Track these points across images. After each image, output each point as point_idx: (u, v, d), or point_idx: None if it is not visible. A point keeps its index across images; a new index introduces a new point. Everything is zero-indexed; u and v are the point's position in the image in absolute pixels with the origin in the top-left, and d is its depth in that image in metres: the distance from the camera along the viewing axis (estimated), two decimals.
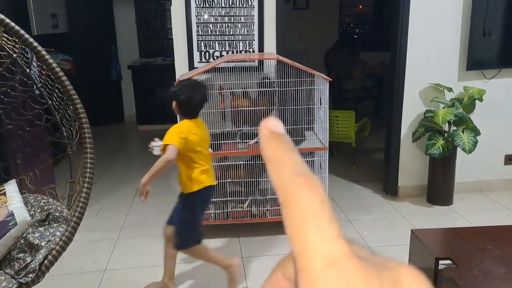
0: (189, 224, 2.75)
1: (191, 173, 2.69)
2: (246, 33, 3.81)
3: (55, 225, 2.06)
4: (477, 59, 4.09)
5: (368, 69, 7.44)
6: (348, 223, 3.83)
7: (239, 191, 3.77)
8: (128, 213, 4.11)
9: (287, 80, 3.44)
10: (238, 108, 3.50)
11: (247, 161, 3.61)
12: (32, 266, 1.89)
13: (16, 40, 2.01)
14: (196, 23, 3.77)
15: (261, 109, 3.46)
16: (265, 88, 3.57)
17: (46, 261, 1.91)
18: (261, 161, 3.39)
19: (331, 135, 4.16)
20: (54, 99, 2.21)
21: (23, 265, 1.90)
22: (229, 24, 3.79)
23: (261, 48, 3.85)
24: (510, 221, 3.81)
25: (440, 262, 2.20)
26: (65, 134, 2.23)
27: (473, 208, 4.10)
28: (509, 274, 2.02)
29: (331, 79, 3.37)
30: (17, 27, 1.90)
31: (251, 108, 3.45)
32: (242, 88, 3.56)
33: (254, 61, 3.79)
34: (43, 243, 1.95)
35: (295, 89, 3.47)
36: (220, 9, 3.75)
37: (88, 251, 3.48)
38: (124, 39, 7.62)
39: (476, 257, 2.16)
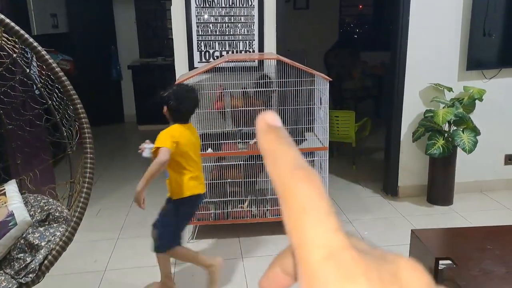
0: (171, 230, 2.75)
1: (181, 179, 2.68)
2: (246, 33, 3.81)
3: (55, 225, 2.06)
4: (477, 59, 4.09)
5: (368, 69, 7.44)
6: (348, 223, 3.83)
7: (239, 191, 3.77)
8: (128, 213, 4.11)
9: (287, 80, 3.44)
10: (233, 108, 3.50)
11: (247, 161, 3.61)
12: (32, 266, 1.89)
13: (16, 40, 2.01)
14: (196, 23, 3.77)
15: (258, 109, 3.45)
16: (264, 87, 3.57)
17: (46, 261, 1.91)
18: (261, 161, 3.39)
19: (331, 135, 4.16)
20: (54, 99, 2.21)
21: (23, 265, 1.90)
22: (229, 24, 3.79)
23: (261, 48, 3.85)
24: (510, 221, 3.81)
25: (440, 262, 2.20)
26: (65, 134, 2.23)
27: (473, 208, 4.10)
28: (509, 274, 2.02)
29: (331, 79, 3.37)
30: (17, 27, 1.90)
31: (249, 108, 3.45)
32: (241, 88, 3.56)
33: (254, 61, 3.79)
34: (43, 243, 1.95)
35: (295, 89, 3.47)
36: (220, 9, 3.75)
37: (88, 251, 3.48)
38: (124, 39, 7.61)
39: (476, 257, 2.16)
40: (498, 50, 4.14)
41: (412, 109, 4.21)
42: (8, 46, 2.13)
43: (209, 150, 3.49)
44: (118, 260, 3.36)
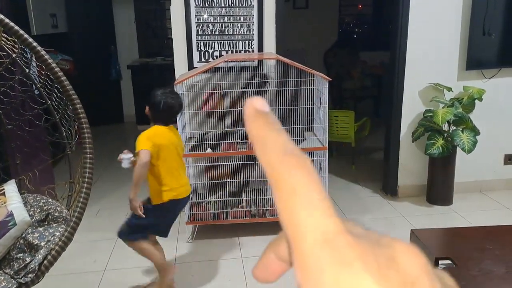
0: (142, 226, 2.73)
1: (159, 183, 2.68)
2: (245, 33, 3.81)
3: (54, 225, 2.06)
4: (476, 59, 4.09)
5: (367, 68, 7.44)
6: None
7: (238, 191, 3.78)
8: (128, 213, 4.10)
9: (287, 79, 3.44)
10: (220, 109, 3.50)
11: (246, 161, 3.60)
12: (32, 266, 1.89)
13: (16, 40, 2.01)
14: (196, 23, 3.77)
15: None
16: (259, 86, 3.57)
17: (45, 261, 1.91)
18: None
19: (330, 135, 4.16)
20: (54, 99, 2.21)
21: (23, 265, 1.90)
22: (229, 24, 3.79)
23: (260, 48, 3.84)
24: (510, 221, 3.81)
25: (440, 262, 2.20)
26: (65, 134, 2.23)
27: (472, 208, 4.10)
28: (509, 274, 2.02)
29: (330, 79, 3.37)
30: (16, 27, 1.90)
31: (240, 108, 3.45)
32: (238, 88, 3.56)
33: (253, 61, 3.79)
34: (42, 243, 1.95)
35: (294, 89, 3.47)
36: (219, 9, 3.75)
37: (87, 251, 3.48)
38: (124, 39, 7.61)
39: (475, 257, 2.16)
40: (498, 49, 4.14)
41: (411, 109, 4.21)
42: (8, 46, 2.13)
43: (208, 150, 3.49)
44: (118, 260, 3.36)
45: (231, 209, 3.67)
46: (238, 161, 3.59)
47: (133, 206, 2.56)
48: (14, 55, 2.14)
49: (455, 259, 2.13)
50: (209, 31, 3.79)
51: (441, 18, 4.05)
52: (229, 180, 3.64)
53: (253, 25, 3.80)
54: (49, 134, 2.41)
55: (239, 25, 3.79)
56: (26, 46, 1.96)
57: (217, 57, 3.82)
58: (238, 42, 3.82)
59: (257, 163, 3.59)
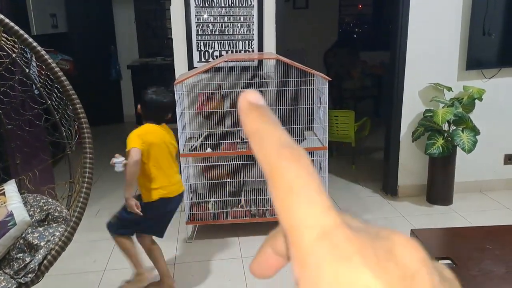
0: (133, 222, 2.74)
1: (149, 181, 2.68)
2: (245, 33, 3.81)
3: (54, 225, 2.06)
4: (476, 59, 4.09)
5: (367, 68, 7.43)
6: None
7: (237, 191, 3.78)
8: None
9: (287, 79, 3.44)
10: (214, 110, 3.50)
11: (246, 161, 3.60)
12: (32, 266, 1.89)
13: (16, 40, 2.01)
14: (196, 22, 3.77)
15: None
16: (260, 86, 3.57)
17: (45, 261, 1.91)
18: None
19: (330, 135, 4.16)
20: (54, 99, 2.21)
21: (23, 265, 1.90)
22: (229, 24, 3.79)
23: (260, 48, 3.84)
24: (510, 221, 3.81)
25: (440, 262, 2.19)
26: (65, 134, 2.23)
27: (472, 208, 4.10)
28: (509, 274, 2.02)
29: (330, 79, 3.36)
30: (16, 27, 1.90)
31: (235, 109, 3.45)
32: (238, 88, 3.56)
33: (253, 61, 3.79)
34: (42, 243, 1.95)
35: (294, 89, 3.47)
36: (219, 8, 3.75)
37: (87, 251, 3.48)
38: (124, 39, 7.61)
39: (475, 257, 2.16)
40: (498, 49, 4.14)
41: (411, 108, 4.21)
42: (8, 46, 2.13)
43: (208, 150, 3.49)
44: (118, 260, 3.36)
45: (231, 209, 3.67)
46: (238, 161, 3.59)
47: (129, 204, 2.57)
48: (14, 55, 2.14)
49: (455, 259, 2.13)
50: (209, 31, 3.79)
51: (441, 18, 4.05)
52: (229, 180, 3.64)
53: (253, 25, 3.79)
54: (49, 134, 2.41)
55: (239, 25, 3.79)
56: (26, 46, 1.96)
57: (217, 57, 3.82)
58: (238, 42, 3.82)
59: (256, 163, 3.59)
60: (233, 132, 3.55)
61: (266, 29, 3.82)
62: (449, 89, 4.06)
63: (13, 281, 1.87)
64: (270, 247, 0.29)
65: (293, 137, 3.23)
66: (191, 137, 3.76)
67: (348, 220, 0.25)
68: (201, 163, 3.71)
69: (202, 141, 3.57)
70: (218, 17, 3.77)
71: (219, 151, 3.52)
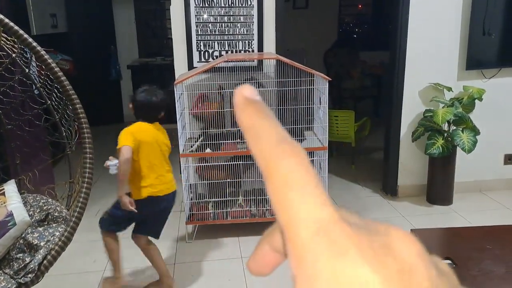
0: (123, 219, 2.75)
1: (138, 179, 2.68)
2: (245, 33, 3.81)
3: (54, 225, 2.06)
4: (476, 59, 4.09)
5: (367, 68, 7.43)
6: None
7: (237, 191, 3.78)
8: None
9: (287, 79, 3.44)
10: (208, 113, 3.50)
11: (246, 161, 3.60)
12: (31, 266, 1.89)
13: (15, 40, 2.00)
14: (196, 22, 3.77)
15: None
16: (260, 86, 3.57)
17: (45, 261, 1.91)
18: None
19: (330, 135, 4.16)
20: (53, 99, 2.21)
21: (22, 265, 1.89)
22: (229, 24, 3.79)
23: (260, 48, 3.84)
24: (510, 220, 3.81)
25: None
26: (64, 134, 2.23)
27: (472, 208, 4.10)
28: (509, 274, 2.02)
29: (330, 79, 3.36)
30: (16, 27, 1.90)
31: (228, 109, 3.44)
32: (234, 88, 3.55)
33: (253, 61, 3.79)
34: (42, 243, 1.95)
35: (294, 89, 3.47)
36: (219, 8, 3.75)
37: (87, 251, 3.47)
38: (124, 39, 7.61)
39: (475, 257, 2.16)
40: (498, 49, 4.14)
41: (411, 108, 4.21)
42: (8, 46, 2.13)
43: (208, 150, 3.49)
44: None
45: (230, 209, 3.67)
46: (237, 161, 3.59)
47: (123, 202, 2.58)
48: (14, 55, 2.14)
49: (455, 259, 2.13)
50: (209, 31, 3.79)
51: (441, 17, 4.05)
52: (229, 180, 3.64)
53: (253, 25, 3.79)
54: (49, 134, 2.41)
55: (239, 25, 3.79)
56: (26, 46, 1.96)
57: (217, 57, 3.82)
58: (238, 42, 3.82)
59: (256, 163, 3.58)
60: (232, 132, 3.55)
61: (266, 29, 3.82)
62: (449, 89, 4.06)
63: (13, 281, 1.87)
64: (268, 244, 0.29)
65: (293, 137, 3.25)
66: (191, 137, 3.76)
67: (345, 215, 0.25)
68: (199, 163, 3.71)
69: (201, 142, 3.56)
70: (218, 17, 3.77)
71: (219, 151, 3.51)
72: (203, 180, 3.75)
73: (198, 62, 3.83)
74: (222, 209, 3.66)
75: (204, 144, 3.54)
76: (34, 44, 1.91)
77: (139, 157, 2.64)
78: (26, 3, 5.45)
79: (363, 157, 5.60)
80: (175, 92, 3.33)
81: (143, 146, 2.63)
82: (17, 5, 4.87)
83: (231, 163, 3.61)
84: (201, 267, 3.28)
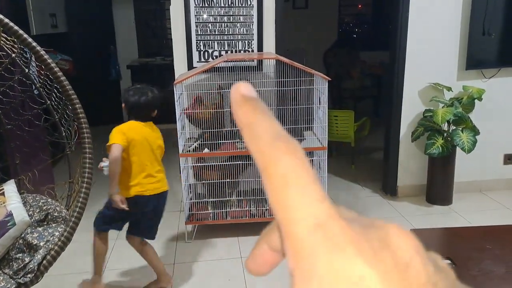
0: (109, 215, 2.74)
1: (127, 177, 2.67)
2: (245, 33, 3.81)
3: (53, 225, 2.06)
4: (476, 59, 4.09)
5: (367, 68, 7.44)
6: None
7: (237, 191, 3.77)
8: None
9: (286, 79, 3.44)
10: (200, 116, 3.49)
11: (245, 161, 3.60)
12: (31, 266, 1.89)
13: (15, 40, 2.00)
14: (195, 22, 3.77)
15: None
16: (260, 86, 3.57)
17: (44, 261, 1.91)
18: None
19: (330, 135, 4.16)
20: (53, 99, 2.21)
21: (22, 265, 1.89)
22: (228, 24, 3.78)
23: (260, 48, 3.84)
24: (510, 220, 3.81)
25: None
26: (64, 134, 2.23)
27: (472, 208, 4.10)
28: (509, 274, 2.02)
29: (330, 79, 3.36)
30: (16, 27, 1.90)
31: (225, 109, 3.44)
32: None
33: (253, 61, 3.79)
34: (41, 243, 1.95)
35: (294, 89, 3.47)
36: (219, 8, 3.75)
37: (87, 251, 3.46)
38: (123, 39, 7.61)
39: (475, 257, 2.16)
40: (498, 49, 4.14)
41: (411, 108, 4.21)
42: (7, 46, 2.12)
43: (206, 150, 3.48)
44: (117, 260, 3.36)
45: (230, 209, 3.67)
46: (236, 161, 3.59)
47: (115, 200, 2.58)
48: (13, 55, 2.14)
49: (455, 259, 2.13)
50: (208, 31, 3.79)
51: (441, 17, 4.05)
52: (228, 180, 3.64)
53: (252, 25, 3.79)
54: (48, 134, 2.41)
55: (238, 25, 3.79)
56: (25, 46, 1.96)
57: (216, 57, 3.82)
58: (238, 42, 3.82)
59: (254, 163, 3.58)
60: (231, 132, 3.55)
61: (265, 29, 3.82)
62: (449, 89, 4.06)
63: (13, 281, 1.87)
64: (266, 243, 0.29)
65: (293, 137, 3.26)
66: (190, 137, 3.76)
67: (342, 211, 0.25)
68: (196, 163, 3.71)
69: (200, 142, 3.56)
70: (218, 17, 3.77)
71: (217, 151, 3.51)
72: (199, 180, 3.74)
73: (197, 62, 3.83)
74: (222, 209, 3.66)
75: (202, 144, 3.53)
76: (34, 44, 1.91)
77: (129, 156, 2.63)
78: (25, 3, 5.45)
79: (362, 157, 5.60)
80: (175, 92, 3.33)
81: (134, 144, 2.62)
82: (17, 5, 4.87)
83: (229, 163, 3.60)
84: (201, 267, 3.28)
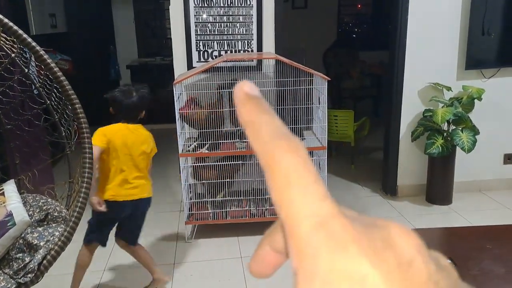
0: (91, 223, 2.72)
1: (103, 179, 2.63)
2: (244, 33, 3.81)
3: (54, 225, 2.06)
4: (476, 58, 4.09)
5: (366, 68, 7.44)
6: None
7: (237, 190, 3.77)
8: None
9: (286, 79, 3.44)
10: (195, 117, 3.48)
11: (245, 161, 3.60)
12: (31, 266, 1.88)
13: (15, 40, 2.00)
14: (195, 22, 3.77)
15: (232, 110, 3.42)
16: (260, 86, 3.57)
17: (45, 261, 1.91)
18: (258, 160, 3.39)
19: (330, 135, 4.16)
20: (53, 99, 2.21)
21: (22, 265, 1.89)
22: (228, 24, 3.79)
23: (259, 48, 3.84)
24: (510, 220, 3.82)
25: None
26: (64, 134, 2.23)
27: (472, 208, 4.10)
28: (509, 274, 2.02)
29: (329, 79, 3.36)
30: (15, 27, 1.89)
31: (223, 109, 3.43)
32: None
33: (252, 61, 3.79)
34: (41, 243, 1.94)
35: (293, 89, 3.47)
36: (218, 8, 3.75)
37: None
38: (123, 38, 7.61)
39: (475, 257, 2.16)
40: (497, 49, 4.14)
41: (411, 108, 4.21)
42: (7, 46, 2.12)
43: (204, 150, 3.48)
44: (117, 260, 3.36)
45: (230, 208, 3.67)
46: (237, 161, 3.59)
47: (91, 203, 2.53)
48: (13, 55, 2.14)
49: (454, 259, 2.13)
50: (208, 31, 3.79)
51: (441, 17, 4.05)
52: (228, 180, 3.64)
53: (252, 24, 3.79)
54: (48, 134, 2.41)
55: (238, 24, 3.79)
56: (25, 46, 1.96)
57: (216, 56, 3.82)
58: (237, 41, 3.82)
59: (256, 163, 3.58)
60: (230, 132, 3.55)
61: (265, 29, 3.82)
62: (449, 88, 4.07)
63: (13, 281, 1.87)
64: (268, 245, 0.29)
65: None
66: (190, 137, 3.76)
67: (344, 210, 0.25)
68: (195, 163, 3.70)
69: (198, 143, 3.56)
70: (217, 17, 3.77)
71: (216, 150, 3.51)
72: (198, 180, 3.74)
73: (197, 62, 3.83)
74: (222, 208, 3.66)
75: (200, 144, 3.53)
76: (34, 44, 1.91)
77: (108, 159, 2.59)
78: (25, 3, 5.45)
79: (362, 157, 5.60)
80: (174, 92, 3.33)
81: (113, 148, 2.58)
82: (17, 5, 4.87)
83: (228, 163, 3.60)
84: (201, 267, 3.28)
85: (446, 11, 4.04)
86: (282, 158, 0.25)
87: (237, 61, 3.59)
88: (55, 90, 2.17)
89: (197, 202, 3.71)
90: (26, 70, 2.22)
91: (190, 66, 3.83)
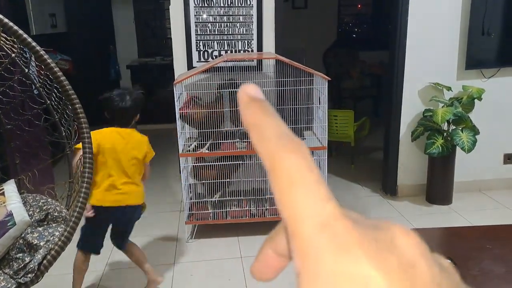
0: (83, 230, 2.69)
1: (93, 184, 2.56)
2: (245, 33, 3.81)
3: (54, 225, 2.06)
4: (476, 58, 4.09)
5: (367, 68, 7.44)
6: None
7: (237, 190, 3.77)
8: None
9: (286, 79, 3.44)
10: (194, 116, 3.47)
11: (245, 161, 3.60)
12: (31, 266, 1.89)
13: (15, 40, 2.00)
14: (195, 22, 3.77)
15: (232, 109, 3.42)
16: (260, 86, 3.57)
17: (45, 261, 1.91)
18: (258, 160, 3.39)
19: (330, 135, 4.16)
20: (53, 99, 2.21)
21: (22, 265, 1.89)
22: (228, 24, 3.79)
23: (259, 48, 3.84)
24: (510, 220, 3.82)
25: None
26: (64, 134, 2.23)
27: (472, 207, 4.10)
28: (509, 274, 2.02)
29: (329, 79, 3.36)
30: (15, 27, 1.89)
31: (223, 109, 3.43)
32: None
33: (253, 61, 3.79)
34: (42, 243, 1.95)
35: (293, 89, 3.47)
36: (218, 8, 3.75)
37: None
38: (123, 38, 7.61)
39: (475, 257, 2.16)
40: (497, 49, 4.14)
41: (411, 108, 4.21)
42: (7, 46, 2.12)
43: (204, 150, 3.48)
44: (117, 259, 3.36)
45: (230, 208, 3.67)
46: (237, 161, 3.59)
47: None
48: (13, 55, 2.14)
49: (454, 259, 2.13)
50: (208, 31, 3.79)
51: (441, 17, 4.05)
52: (228, 180, 3.64)
53: (252, 24, 3.79)
54: (48, 134, 2.41)
55: (238, 24, 3.79)
56: (25, 46, 1.96)
57: (216, 56, 3.82)
58: (237, 41, 3.82)
59: (256, 163, 3.59)
60: (230, 132, 3.55)
61: (265, 29, 3.82)
62: (449, 88, 4.07)
63: (13, 281, 1.87)
64: (270, 248, 0.29)
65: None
66: (190, 137, 3.76)
67: (347, 212, 0.25)
68: (195, 163, 3.70)
69: (198, 143, 3.56)
70: (217, 17, 3.77)
71: (217, 150, 3.51)
72: (198, 180, 3.74)
73: (197, 62, 3.83)
74: (222, 208, 3.66)
75: (201, 143, 3.53)
76: (34, 44, 1.91)
77: (97, 163, 2.56)
78: (25, 3, 5.45)
79: (362, 157, 5.60)
80: (175, 92, 3.33)
81: (103, 152, 2.56)
82: (17, 5, 4.87)
83: (228, 162, 3.60)
84: (201, 267, 3.28)
85: (446, 12, 4.04)
86: (285, 159, 0.25)
87: (237, 61, 3.59)
88: (55, 90, 2.17)
89: (197, 202, 3.71)
90: (26, 70, 2.22)
91: (190, 66, 3.83)
